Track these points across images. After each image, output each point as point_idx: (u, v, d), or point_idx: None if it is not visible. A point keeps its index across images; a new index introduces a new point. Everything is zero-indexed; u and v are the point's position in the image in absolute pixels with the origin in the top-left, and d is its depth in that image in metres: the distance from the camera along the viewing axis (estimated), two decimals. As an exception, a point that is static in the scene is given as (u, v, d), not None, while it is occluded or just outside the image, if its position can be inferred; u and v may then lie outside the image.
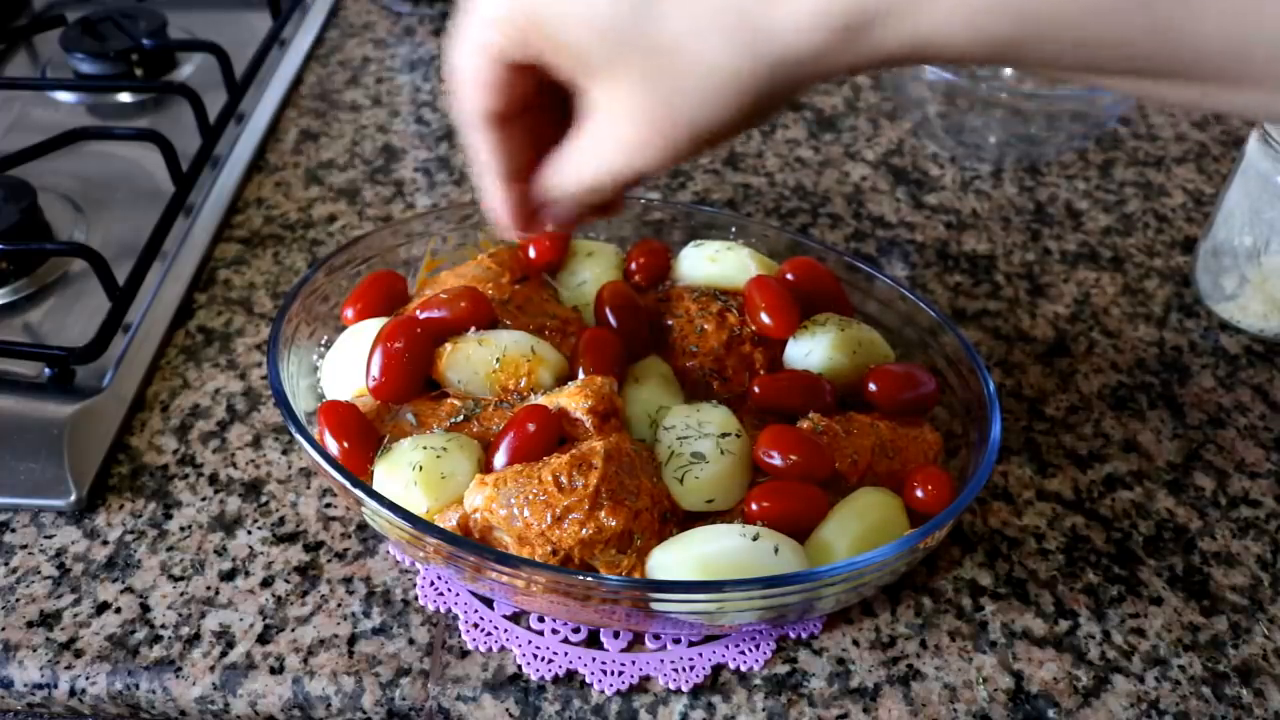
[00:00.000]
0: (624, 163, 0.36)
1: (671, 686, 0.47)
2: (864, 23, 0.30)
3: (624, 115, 0.35)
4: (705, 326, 0.55)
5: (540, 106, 0.40)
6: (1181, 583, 0.53)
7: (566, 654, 0.48)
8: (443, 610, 0.50)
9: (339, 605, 0.51)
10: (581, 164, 0.38)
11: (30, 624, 0.50)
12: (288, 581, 0.52)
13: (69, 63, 0.84)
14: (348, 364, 0.53)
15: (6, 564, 0.52)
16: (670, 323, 0.56)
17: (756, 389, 0.52)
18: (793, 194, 0.76)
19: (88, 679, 0.48)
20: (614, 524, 0.45)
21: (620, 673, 0.48)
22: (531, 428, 0.47)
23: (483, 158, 0.41)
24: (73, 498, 0.54)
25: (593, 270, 0.58)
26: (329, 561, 0.53)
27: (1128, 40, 0.29)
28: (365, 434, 0.49)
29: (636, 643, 0.49)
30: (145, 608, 0.50)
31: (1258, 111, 0.32)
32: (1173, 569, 0.53)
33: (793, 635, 0.50)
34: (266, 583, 0.52)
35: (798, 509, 0.47)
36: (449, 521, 0.46)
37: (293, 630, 0.50)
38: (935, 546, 0.50)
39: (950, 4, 0.30)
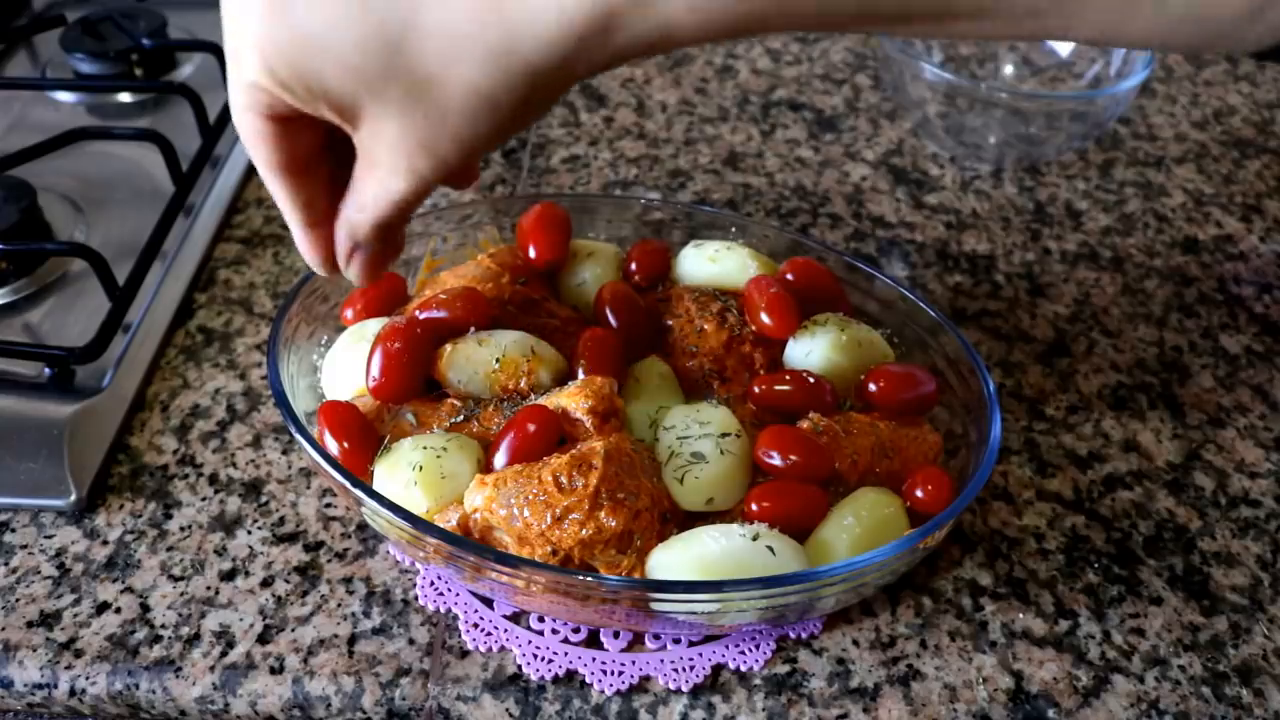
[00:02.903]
0: (408, 186, 0.38)
1: (671, 686, 0.47)
2: (603, 29, 0.32)
3: (393, 143, 0.36)
4: (705, 326, 0.55)
5: (334, 152, 0.41)
6: (1181, 583, 0.53)
7: (566, 654, 0.48)
8: (443, 610, 0.50)
9: (339, 605, 0.51)
10: (369, 198, 0.39)
11: (30, 624, 0.50)
12: (288, 581, 0.52)
13: (69, 63, 0.84)
14: (348, 364, 0.53)
15: (6, 564, 0.52)
16: (670, 323, 0.56)
17: (756, 389, 0.52)
18: (793, 194, 0.76)
19: (88, 679, 0.48)
20: (614, 524, 0.45)
21: (620, 673, 0.48)
22: (531, 428, 0.47)
23: (282, 204, 0.42)
24: (73, 498, 0.54)
25: (593, 270, 0.58)
26: (329, 561, 0.53)
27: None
28: (365, 434, 0.49)
29: (636, 643, 0.49)
30: (145, 608, 0.50)
31: (975, 36, 0.36)
32: (1173, 569, 0.53)
33: (793, 635, 0.50)
34: (266, 583, 0.52)
35: (798, 509, 0.47)
36: (449, 521, 0.46)
37: (293, 630, 0.50)
38: (935, 546, 0.50)
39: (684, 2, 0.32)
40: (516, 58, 0.33)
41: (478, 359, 0.51)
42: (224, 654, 0.49)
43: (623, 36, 0.33)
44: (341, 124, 0.37)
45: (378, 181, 0.38)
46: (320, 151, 0.41)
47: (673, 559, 0.45)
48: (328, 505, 0.55)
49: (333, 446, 0.48)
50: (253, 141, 0.39)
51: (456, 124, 0.35)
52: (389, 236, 0.42)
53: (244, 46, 0.35)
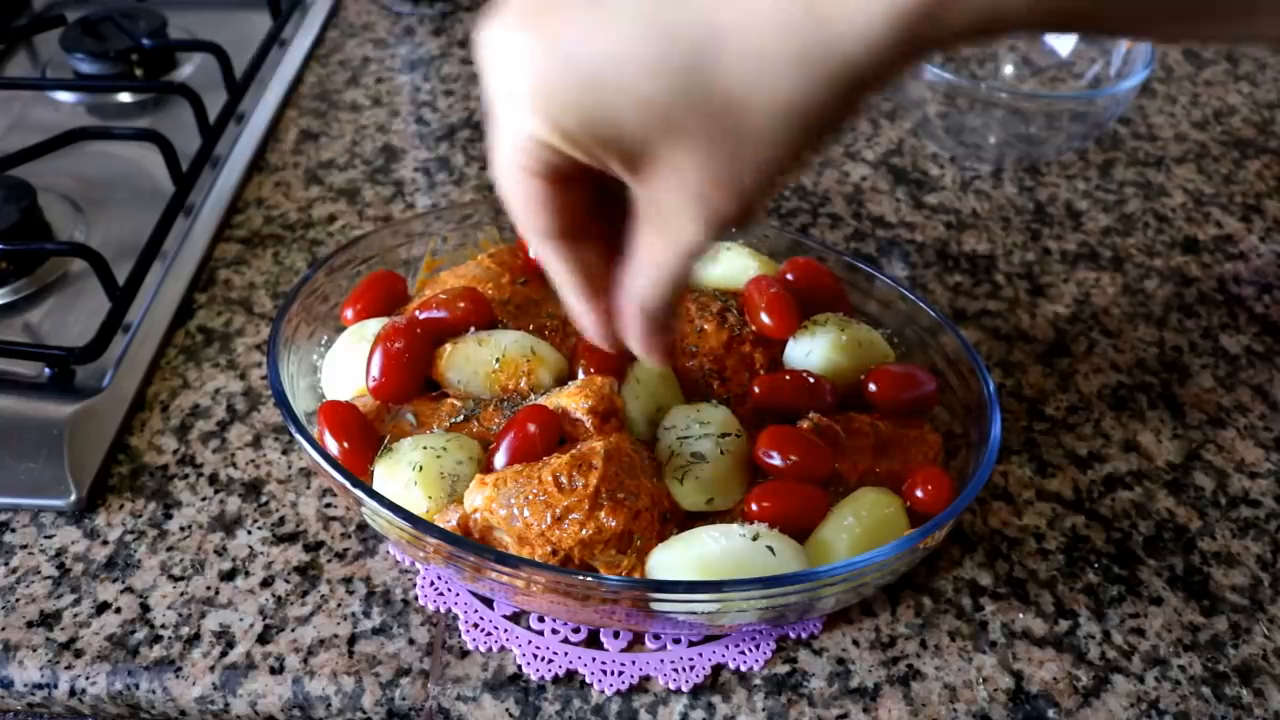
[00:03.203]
0: (701, 235, 0.33)
1: (671, 686, 0.47)
2: (934, 12, 0.28)
3: (686, 186, 0.32)
4: (705, 326, 0.55)
5: (606, 211, 0.37)
6: (1181, 583, 0.53)
7: (566, 654, 0.48)
8: (443, 610, 0.50)
9: (339, 605, 0.51)
10: (657, 260, 0.35)
11: (30, 624, 0.50)
12: (288, 581, 0.52)
13: (69, 63, 0.84)
14: (348, 364, 0.53)
15: (6, 564, 0.52)
16: (670, 323, 0.56)
17: (756, 389, 0.52)
18: (793, 194, 0.76)
19: (88, 679, 0.48)
20: (614, 524, 0.45)
21: (620, 673, 0.48)
22: (531, 428, 0.47)
23: (560, 276, 0.38)
24: (73, 498, 0.54)
25: (593, 270, 0.58)
26: (329, 561, 0.53)
27: None
28: (365, 434, 0.49)
29: (636, 643, 0.49)
30: (145, 608, 0.50)
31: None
32: (1173, 569, 0.53)
33: (793, 635, 0.50)
34: (266, 583, 0.52)
35: (798, 509, 0.47)
36: (449, 521, 0.46)
37: (293, 630, 0.50)
38: (935, 546, 0.50)
39: None
40: (834, 62, 0.28)
41: (478, 359, 0.51)
42: (224, 654, 0.49)
43: (946, 24, 0.28)
44: (625, 174, 0.32)
45: (667, 235, 0.34)
46: (592, 210, 0.36)
47: (673, 559, 0.45)
48: (328, 505, 0.55)
49: (333, 446, 0.48)
50: (529, 207, 0.35)
51: (761, 149, 0.30)
52: (680, 297, 0.38)
53: (518, 99, 0.31)
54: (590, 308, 0.39)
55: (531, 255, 0.37)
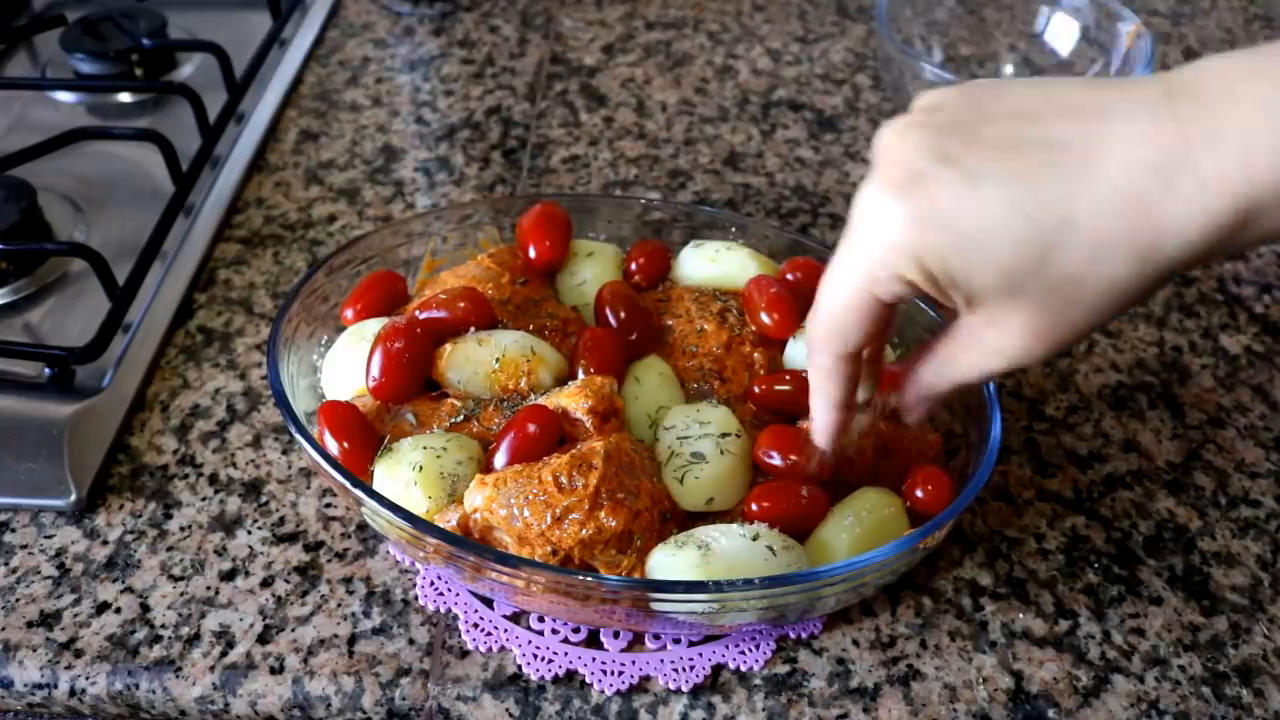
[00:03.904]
0: (1003, 366, 0.39)
1: (671, 686, 0.47)
2: (1241, 225, 0.33)
3: (1010, 331, 0.37)
4: (705, 326, 0.55)
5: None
6: (1181, 583, 0.53)
7: (566, 654, 0.48)
8: (443, 610, 0.50)
9: (339, 605, 0.51)
10: (957, 368, 0.41)
11: (30, 624, 0.50)
12: (288, 581, 0.52)
13: (69, 63, 0.84)
14: (348, 364, 0.53)
15: (6, 564, 0.52)
16: (670, 323, 0.56)
17: (756, 389, 0.52)
18: (793, 194, 0.76)
19: (88, 679, 0.48)
20: (614, 524, 0.45)
21: (620, 673, 0.48)
22: (531, 428, 0.47)
23: (826, 387, 0.43)
24: (73, 498, 0.54)
25: (593, 270, 0.58)
26: (329, 561, 0.53)
27: None
28: (365, 434, 0.49)
29: (636, 643, 0.49)
30: (145, 608, 0.50)
31: None
32: (1173, 569, 0.53)
33: (793, 635, 0.50)
34: (266, 583, 0.52)
35: (798, 509, 0.47)
36: (449, 521, 0.46)
37: (293, 630, 0.50)
38: (935, 546, 0.50)
39: None
40: (1159, 256, 0.34)
41: (478, 359, 0.51)
42: (224, 654, 0.49)
43: (1256, 230, 0.33)
44: (960, 307, 0.38)
45: (972, 358, 0.40)
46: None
47: (673, 559, 0.45)
48: (328, 505, 0.55)
49: (333, 446, 0.48)
50: (857, 320, 0.39)
51: (1082, 316, 0.36)
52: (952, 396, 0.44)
53: (889, 242, 0.36)
54: (836, 418, 0.45)
55: (813, 373, 0.44)
